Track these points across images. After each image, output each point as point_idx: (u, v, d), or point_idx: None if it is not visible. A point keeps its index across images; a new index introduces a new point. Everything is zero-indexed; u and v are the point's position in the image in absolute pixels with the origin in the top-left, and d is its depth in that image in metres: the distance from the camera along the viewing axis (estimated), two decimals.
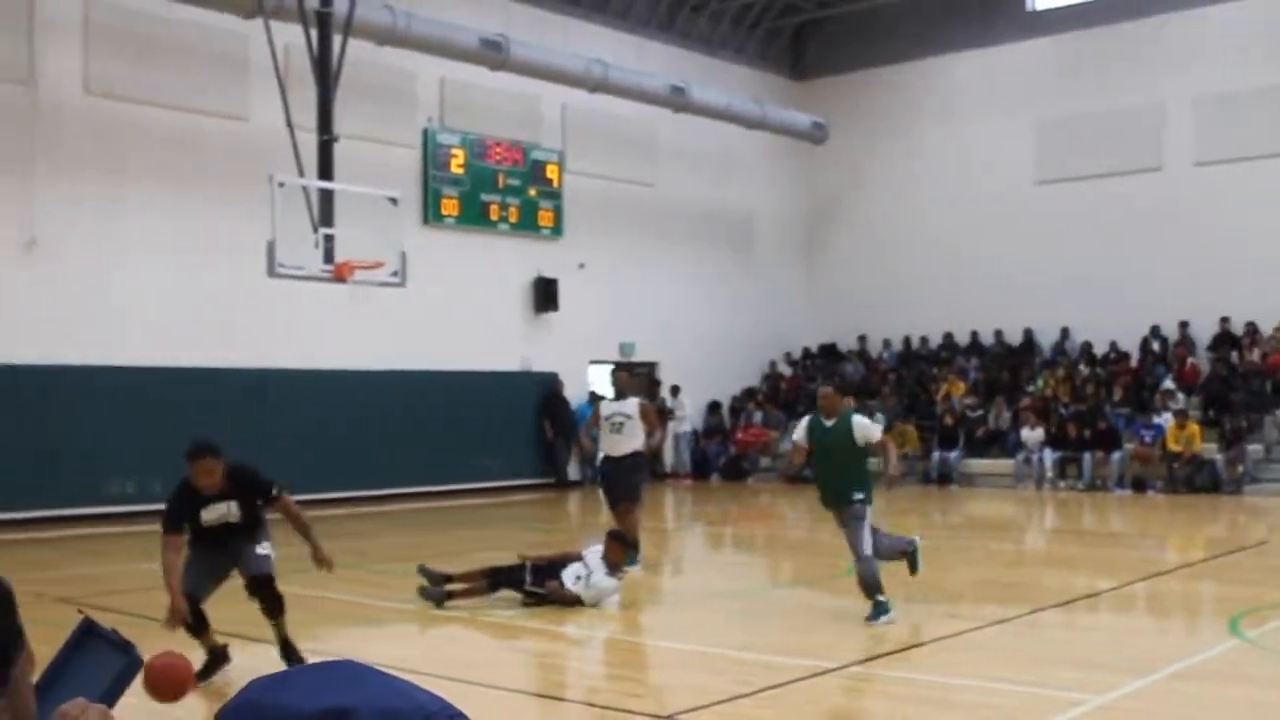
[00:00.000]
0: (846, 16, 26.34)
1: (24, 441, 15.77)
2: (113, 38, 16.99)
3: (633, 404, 12.04)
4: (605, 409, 12.15)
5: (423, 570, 10.00)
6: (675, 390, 24.19)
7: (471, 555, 11.27)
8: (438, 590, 9.70)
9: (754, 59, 26.43)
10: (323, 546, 7.36)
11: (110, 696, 1.53)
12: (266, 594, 7.28)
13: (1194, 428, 20.16)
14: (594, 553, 9.85)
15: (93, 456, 16.26)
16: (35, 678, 1.50)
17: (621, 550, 10.08)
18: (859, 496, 8.91)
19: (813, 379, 24.31)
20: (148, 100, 17.24)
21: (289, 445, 16.84)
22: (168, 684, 4.10)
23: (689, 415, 24.30)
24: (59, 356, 16.20)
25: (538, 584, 9.61)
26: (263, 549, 7.35)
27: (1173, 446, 20.13)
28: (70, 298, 16.40)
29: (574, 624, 9.24)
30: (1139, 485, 20.21)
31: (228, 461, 7.18)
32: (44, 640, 1.68)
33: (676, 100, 22.78)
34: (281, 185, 14.15)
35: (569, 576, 9.63)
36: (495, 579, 9.78)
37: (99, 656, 1.57)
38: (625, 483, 11.87)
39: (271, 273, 13.92)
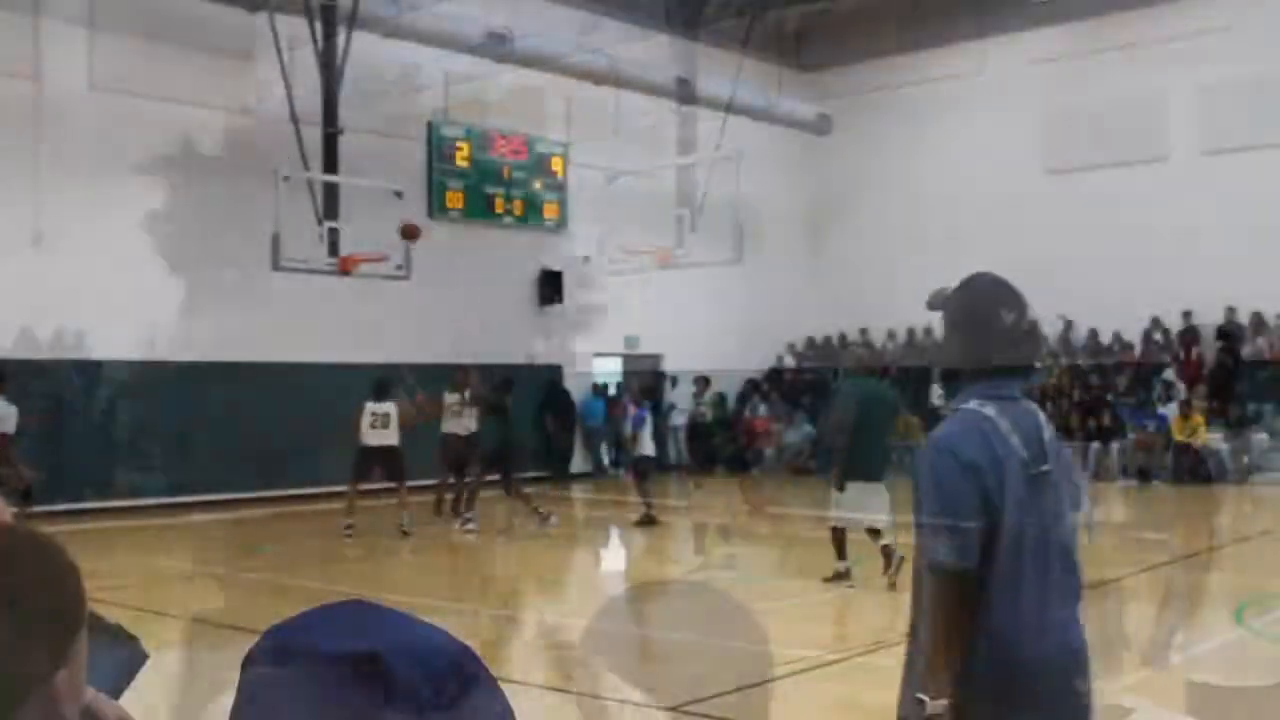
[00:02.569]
0: (850, 8, 26.23)
1: None
2: (118, 31, 16.99)
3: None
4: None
5: None
6: (674, 382, 24.19)
7: None
8: None
9: (758, 50, 26.33)
10: None
11: (118, 689, 1.56)
12: None
13: (1199, 419, 20.14)
14: None
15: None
16: None
17: None
18: None
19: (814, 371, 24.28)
20: (151, 94, 17.25)
21: (282, 438, 16.89)
22: None
23: (688, 408, 24.27)
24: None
25: None
26: None
27: (1178, 437, 20.12)
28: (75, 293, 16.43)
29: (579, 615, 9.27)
30: (1144, 475, 20.22)
31: None
32: None
33: (682, 92, 22.74)
34: (286, 179, 14.21)
35: None
36: None
37: (105, 649, 1.60)
38: None
39: (276, 266, 14.01)
